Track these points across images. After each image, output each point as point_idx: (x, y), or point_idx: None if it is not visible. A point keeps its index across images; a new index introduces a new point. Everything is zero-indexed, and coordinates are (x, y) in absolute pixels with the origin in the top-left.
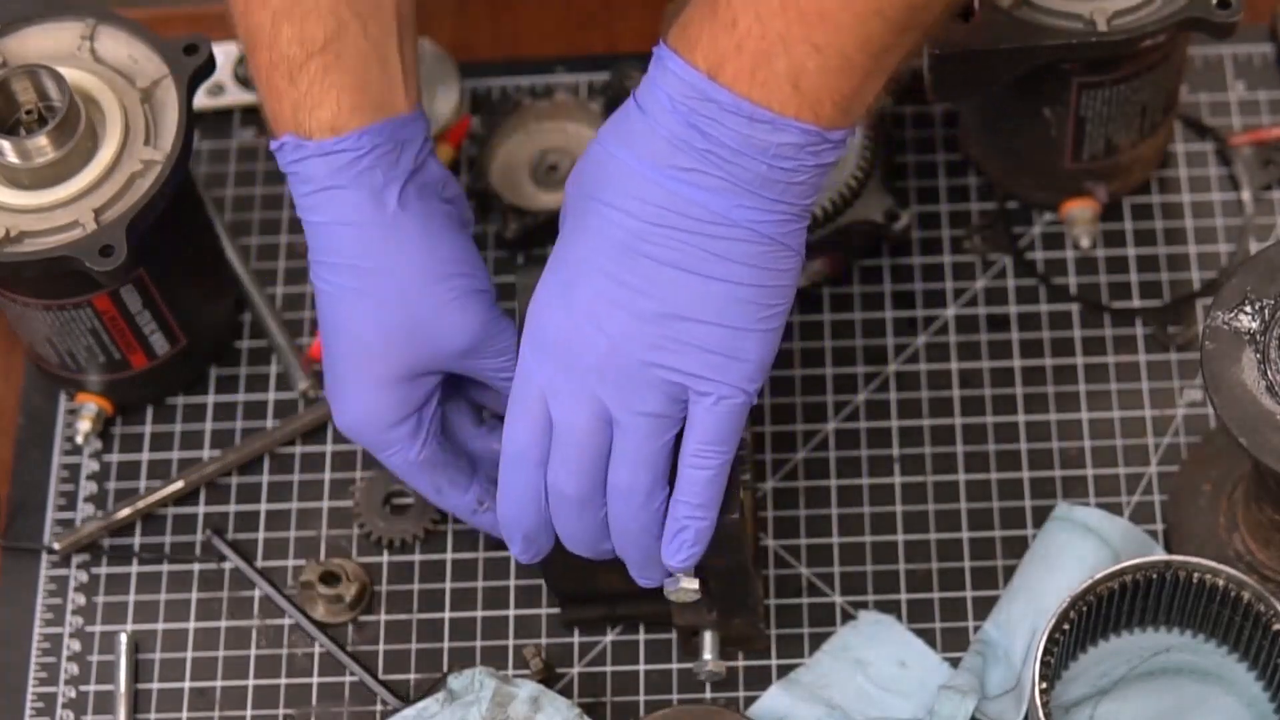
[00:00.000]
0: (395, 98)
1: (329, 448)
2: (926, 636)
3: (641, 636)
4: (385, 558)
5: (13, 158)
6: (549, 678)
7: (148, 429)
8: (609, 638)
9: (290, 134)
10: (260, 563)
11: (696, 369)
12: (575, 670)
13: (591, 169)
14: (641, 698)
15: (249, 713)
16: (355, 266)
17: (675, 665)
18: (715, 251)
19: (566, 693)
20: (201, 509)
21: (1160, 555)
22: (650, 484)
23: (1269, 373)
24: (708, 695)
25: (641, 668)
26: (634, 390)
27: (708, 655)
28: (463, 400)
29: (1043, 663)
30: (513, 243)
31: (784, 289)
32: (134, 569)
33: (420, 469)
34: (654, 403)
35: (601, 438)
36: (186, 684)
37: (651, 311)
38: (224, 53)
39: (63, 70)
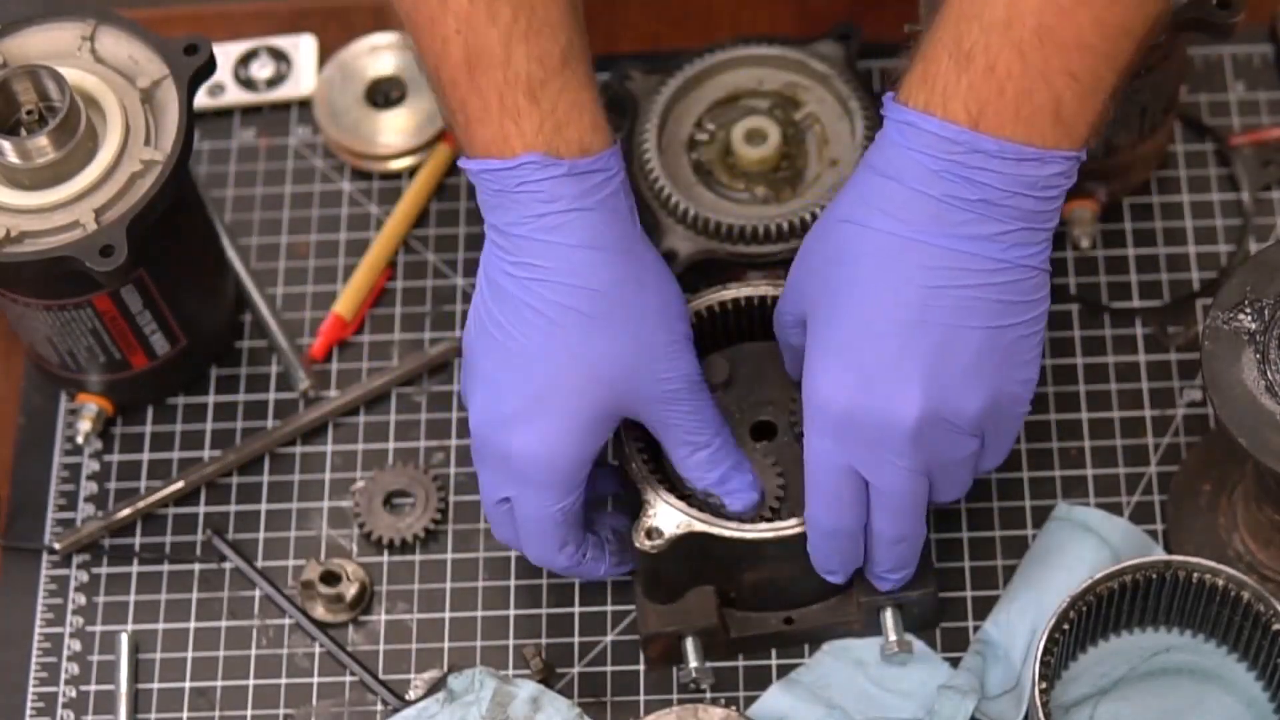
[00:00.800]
0: (608, 121)
1: (329, 448)
2: (927, 636)
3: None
4: (385, 558)
5: (13, 158)
6: (549, 678)
7: (148, 429)
8: (609, 638)
9: (536, 152)
10: (260, 563)
11: (998, 415)
12: (575, 670)
13: (846, 246)
14: (641, 698)
15: (249, 713)
16: (595, 292)
17: (675, 665)
18: (1003, 299)
19: (566, 693)
20: (202, 509)
21: (1160, 555)
22: (962, 489)
23: (1269, 373)
24: (708, 695)
25: (641, 668)
26: (949, 447)
27: (692, 662)
28: None
29: (1043, 663)
30: None
31: (1044, 303)
32: (134, 569)
33: (567, 523)
34: (963, 451)
35: (922, 488)
36: (187, 684)
37: (950, 376)
38: (224, 53)
39: (63, 70)
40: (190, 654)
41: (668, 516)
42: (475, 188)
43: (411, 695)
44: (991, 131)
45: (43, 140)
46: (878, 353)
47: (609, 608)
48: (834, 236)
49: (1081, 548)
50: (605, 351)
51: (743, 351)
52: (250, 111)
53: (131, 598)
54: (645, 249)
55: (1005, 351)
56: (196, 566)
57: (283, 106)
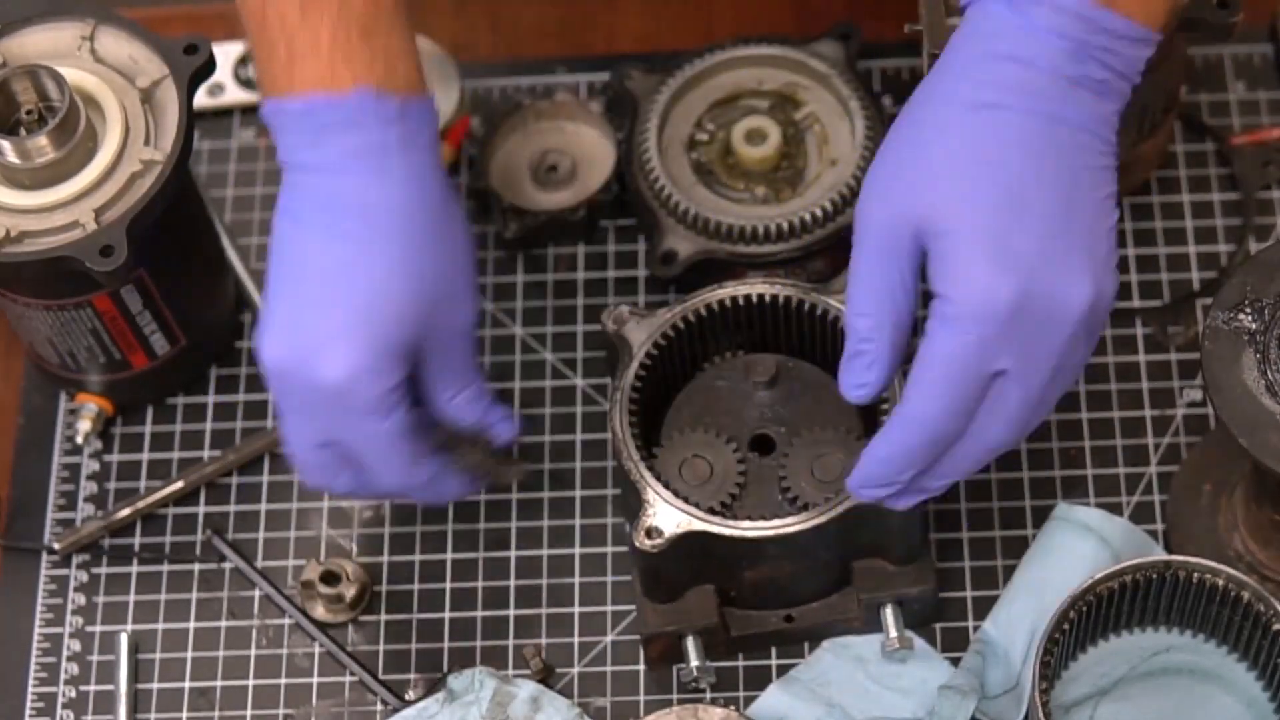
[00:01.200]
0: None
1: None
2: (927, 636)
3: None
4: (385, 558)
5: (13, 158)
6: (548, 678)
7: (148, 429)
8: (609, 638)
9: (370, 87)
10: (260, 562)
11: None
12: (575, 670)
13: (988, 133)
14: (641, 698)
15: (249, 713)
16: (416, 226)
17: (675, 665)
18: (1110, 178)
19: (566, 693)
20: (202, 509)
21: (1160, 555)
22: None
23: (1269, 373)
24: (707, 696)
25: (641, 668)
26: (1086, 346)
27: (693, 661)
28: None
29: (1042, 663)
30: (512, 243)
31: None
32: (134, 569)
33: (405, 438)
34: (1086, 353)
35: (1056, 393)
36: (186, 684)
37: (1101, 261)
38: (224, 53)
39: (63, 70)
40: (190, 654)
41: (668, 516)
42: (277, 129)
43: (411, 695)
44: (1122, 11)
45: (42, 140)
46: (1041, 240)
47: (609, 608)
48: (967, 125)
49: (1081, 547)
50: (407, 284)
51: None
52: (250, 111)
53: (131, 598)
54: (450, 192)
55: (1116, 240)
56: (196, 566)
57: None
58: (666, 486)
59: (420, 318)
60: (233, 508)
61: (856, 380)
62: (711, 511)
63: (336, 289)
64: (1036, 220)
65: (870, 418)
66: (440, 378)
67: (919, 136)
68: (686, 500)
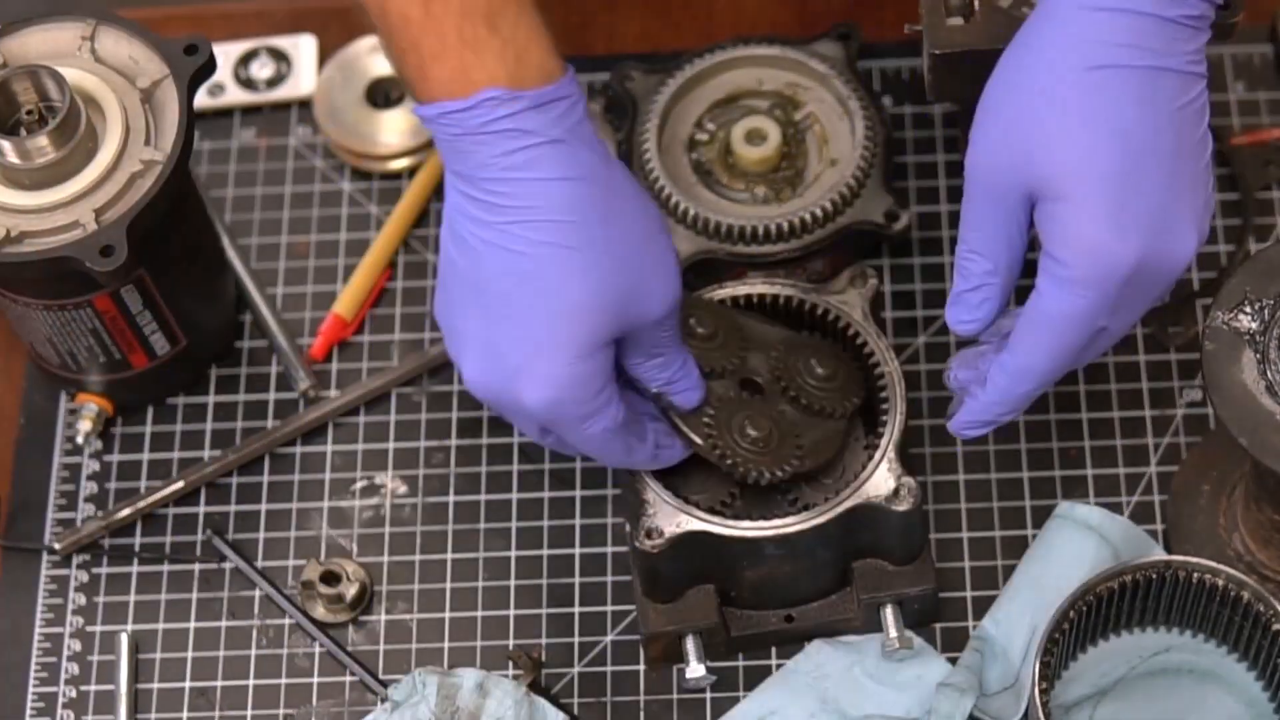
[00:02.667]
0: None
1: (329, 448)
2: (927, 635)
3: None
4: (385, 558)
5: (13, 158)
6: (537, 677)
7: (148, 429)
8: (609, 638)
9: (498, 86)
10: (260, 562)
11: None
12: (575, 670)
13: (1101, 89)
14: (641, 698)
15: (249, 712)
16: (575, 224)
17: (675, 665)
18: (1203, 117)
19: (566, 692)
20: (202, 509)
21: (1160, 555)
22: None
23: (1269, 373)
24: (707, 696)
25: (641, 668)
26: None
27: (693, 661)
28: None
29: (1042, 663)
30: None
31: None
32: (134, 569)
33: (619, 433)
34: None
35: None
36: (187, 684)
37: (1203, 210)
38: (224, 53)
39: (63, 70)
40: (190, 654)
41: (668, 516)
42: (434, 138)
43: (391, 693)
44: None
45: (43, 140)
46: (1158, 201)
47: (609, 608)
48: (1080, 86)
49: (1082, 546)
50: (593, 286)
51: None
52: (250, 111)
53: (131, 598)
54: (616, 171)
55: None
56: (196, 566)
57: (283, 106)
58: (667, 487)
59: (613, 313)
60: (233, 508)
61: (967, 315)
62: (711, 511)
63: (521, 307)
64: (1152, 181)
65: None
66: (635, 348)
67: (1027, 95)
68: (686, 500)
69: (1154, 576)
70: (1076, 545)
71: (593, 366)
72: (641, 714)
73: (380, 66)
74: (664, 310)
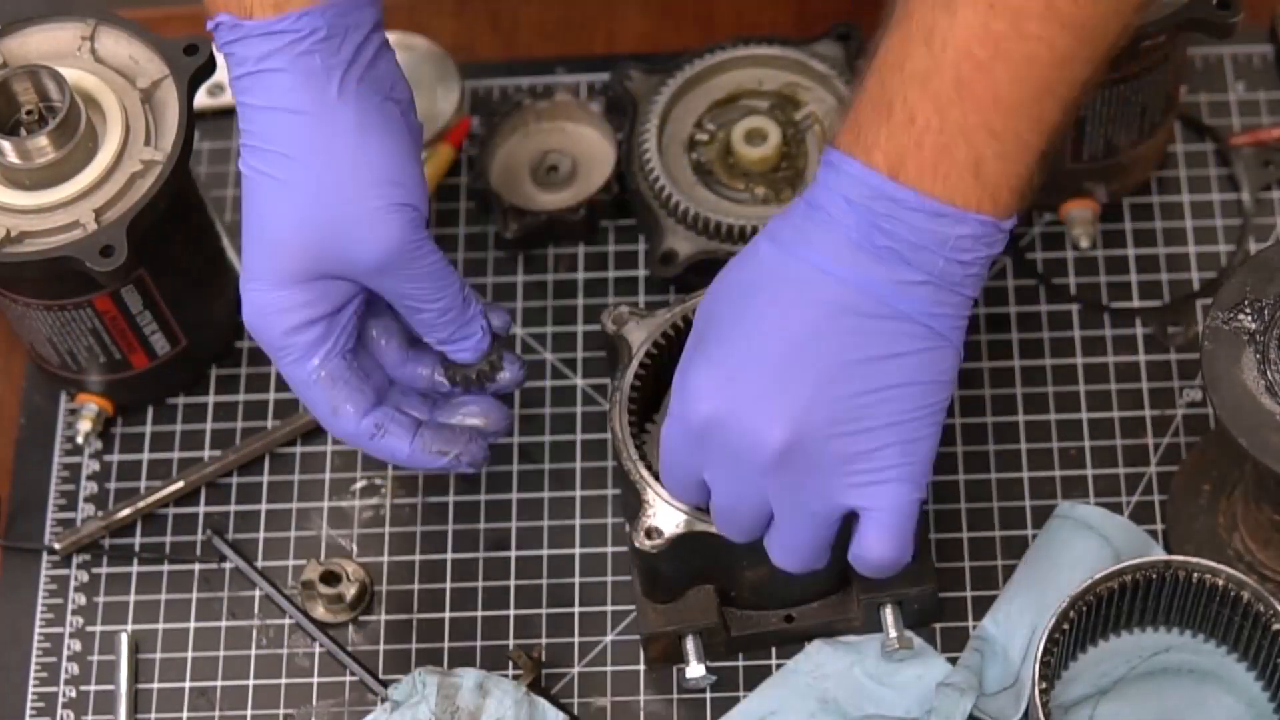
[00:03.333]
0: None
1: (329, 448)
2: (927, 635)
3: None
4: (385, 558)
5: (13, 158)
6: (537, 677)
7: (148, 429)
8: (609, 638)
9: (227, 12)
10: (260, 562)
11: (868, 473)
12: (575, 670)
13: (755, 267)
14: (641, 697)
15: (249, 712)
16: (282, 155)
17: (675, 665)
18: (891, 350)
19: (566, 693)
20: (202, 509)
21: (1160, 555)
22: (813, 557)
23: (1269, 373)
24: (707, 696)
25: (641, 668)
26: (802, 491)
27: (693, 661)
28: (392, 321)
29: (1042, 663)
30: (513, 243)
31: (947, 386)
32: (134, 569)
33: (319, 384)
34: (821, 505)
35: (763, 519)
36: (187, 684)
37: (823, 416)
38: None
39: (63, 70)
40: (190, 654)
41: (667, 516)
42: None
43: (391, 693)
44: (910, 183)
45: (43, 140)
46: (755, 376)
47: (609, 608)
48: (751, 255)
49: (1083, 546)
50: (293, 214)
51: None
52: None
53: (131, 598)
54: (348, 113)
55: (890, 411)
56: (196, 566)
57: None
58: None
59: (313, 253)
60: (233, 508)
61: None
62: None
63: (245, 229)
64: (758, 352)
65: None
66: (397, 305)
67: (729, 262)
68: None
69: (1154, 576)
70: (1076, 545)
71: (292, 298)
72: (641, 714)
73: None
74: (373, 260)
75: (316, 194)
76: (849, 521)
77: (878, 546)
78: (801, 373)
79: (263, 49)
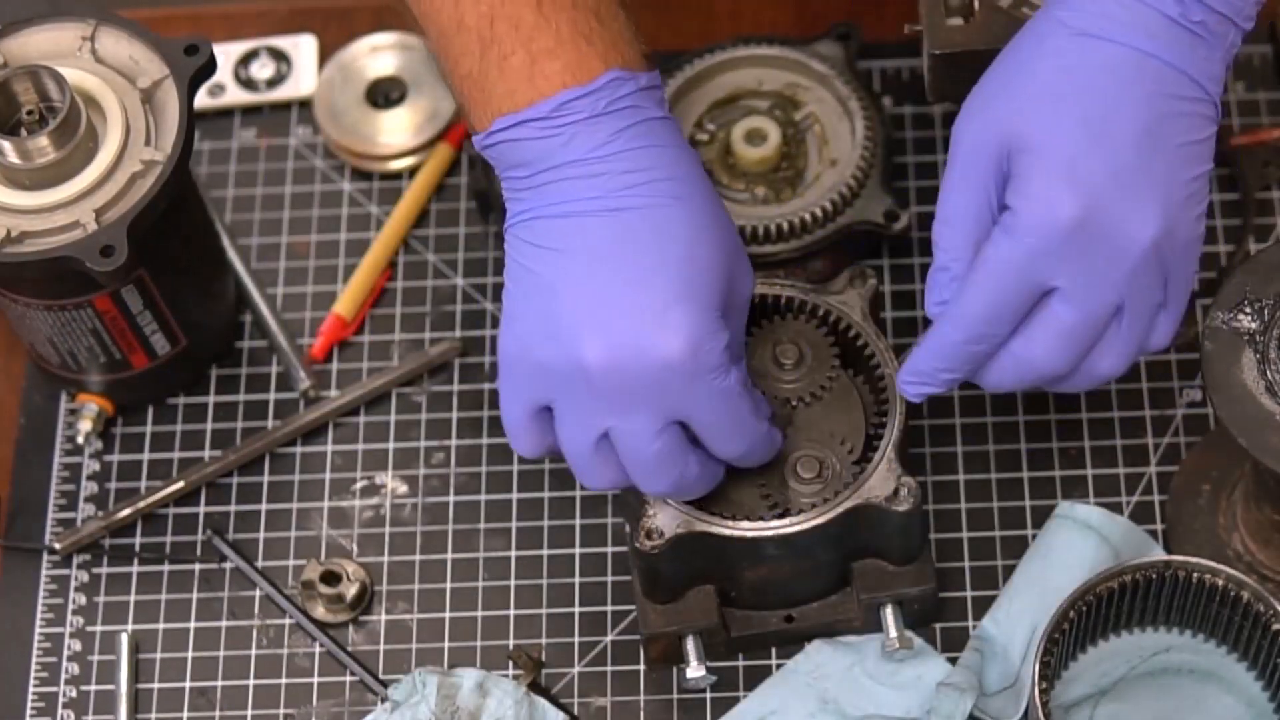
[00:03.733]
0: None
1: (329, 448)
2: (927, 635)
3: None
4: (385, 558)
5: (14, 158)
6: (537, 677)
7: (148, 429)
8: (609, 638)
9: (616, 69)
10: (260, 563)
11: (1192, 262)
12: (575, 670)
13: (1082, 60)
14: (641, 697)
15: (249, 712)
16: (680, 178)
17: (675, 665)
18: (1207, 136)
19: (566, 693)
20: (202, 509)
21: (1160, 555)
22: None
23: (1269, 373)
24: (707, 696)
25: (641, 668)
26: (1156, 286)
27: (693, 661)
28: None
29: (1042, 663)
30: None
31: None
32: (135, 569)
33: (744, 391)
34: (1159, 294)
35: (1103, 322)
36: (187, 684)
37: (1177, 202)
38: (225, 53)
39: (64, 71)
40: (190, 654)
41: (668, 516)
42: (517, 144)
43: (391, 693)
44: None
45: (43, 140)
46: (1113, 166)
47: (609, 608)
48: (1063, 50)
49: (1082, 546)
50: (712, 232)
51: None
52: (250, 111)
53: (132, 598)
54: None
55: (1204, 191)
56: (197, 566)
57: (283, 107)
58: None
59: (729, 272)
60: (233, 508)
61: (938, 297)
62: (711, 512)
63: (650, 262)
64: (1112, 147)
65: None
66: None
67: (1019, 59)
68: (686, 501)
69: (1154, 576)
70: (1076, 545)
71: (719, 318)
72: (641, 714)
73: (380, 67)
74: (752, 286)
75: (725, 220)
76: None
77: (1168, 335)
78: (1156, 165)
79: (654, 99)
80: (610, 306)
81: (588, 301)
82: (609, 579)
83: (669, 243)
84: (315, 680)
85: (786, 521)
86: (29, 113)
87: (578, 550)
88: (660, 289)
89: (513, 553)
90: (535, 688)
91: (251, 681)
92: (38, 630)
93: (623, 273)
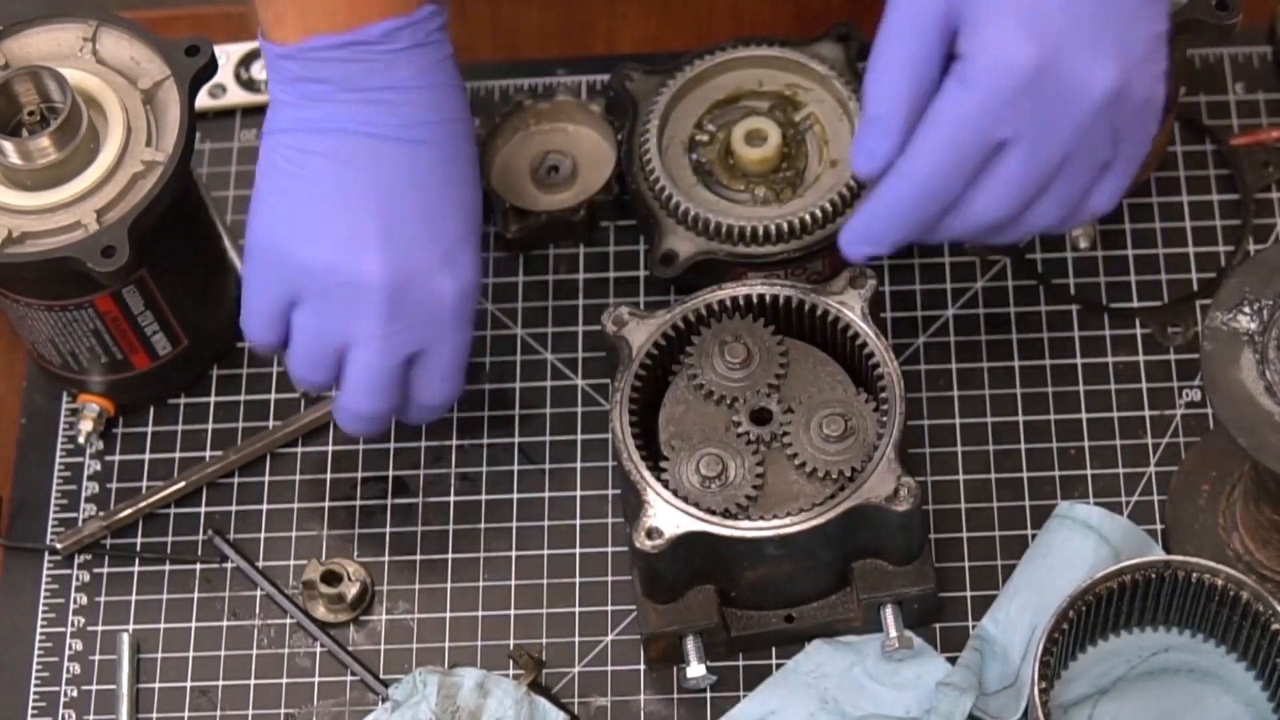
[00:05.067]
0: None
1: (330, 448)
2: (926, 635)
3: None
4: (386, 558)
5: (15, 159)
6: (537, 677)
7: (149, 429)
8: (609, 638)
9: (430, 1)
10: (261, 562)
11: (1144, 127)
12: (575, 670)
13: None
14: (641, 697)
15: (250, 712)
16: (463, 120)
17: (675, 665)
18: None
19: (567, 692)
20: (203, 509)
21: (1160, 555)
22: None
23: (1268, 373)
24: (707, 696)
25: (641, 668)
26: (1104, 140)
27: (693, 661)
28: None
29: (1042, 662)
30: (513, 243)
31: None
32: (136, 569)
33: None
34: (1107, 151)
35: (1049, 171)
36: (188, 683)
37: (1135, 56)
38: (225, 54)
39: (65, 71)
40: (191, 654)
41: (668, 516)
42: (317, 63)
43: (391, 693)
44: None
45: (44, 141)
46: (1072, 16)
47: (609, 608)
48: None
49: (1082, 546)
50: (477, 170)
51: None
52: (251, 112)
53: (133, 597)
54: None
55: (1161, 51)
56: (198, 566)
57: None
58: (666, 486)
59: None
60: (234, 508)
61: (868, 149)
62: (711, 512)
63: (444, 201)
64: (1074, 2)
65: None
66: None
67: None
68: (687, 500)
69: (1153, 576)
70: (1076, 545)
71: (480, 267)
72: (641, 714)
73: None
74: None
75: (476, 160)
76: None
77: (1111, 198)
78: (1113, 15)
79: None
80: (402, 234)
81: (381, 222)
82: (609, 579)
83: (458, 186)
84: (316, 680)
85: (786, 521)
86: (30, 113)
87: (578, 550)
88: (451, 231)
89: (513, 553)
90: (536, 687)
91: (252, 681)
92: (39, 630)
93: (419, 205)
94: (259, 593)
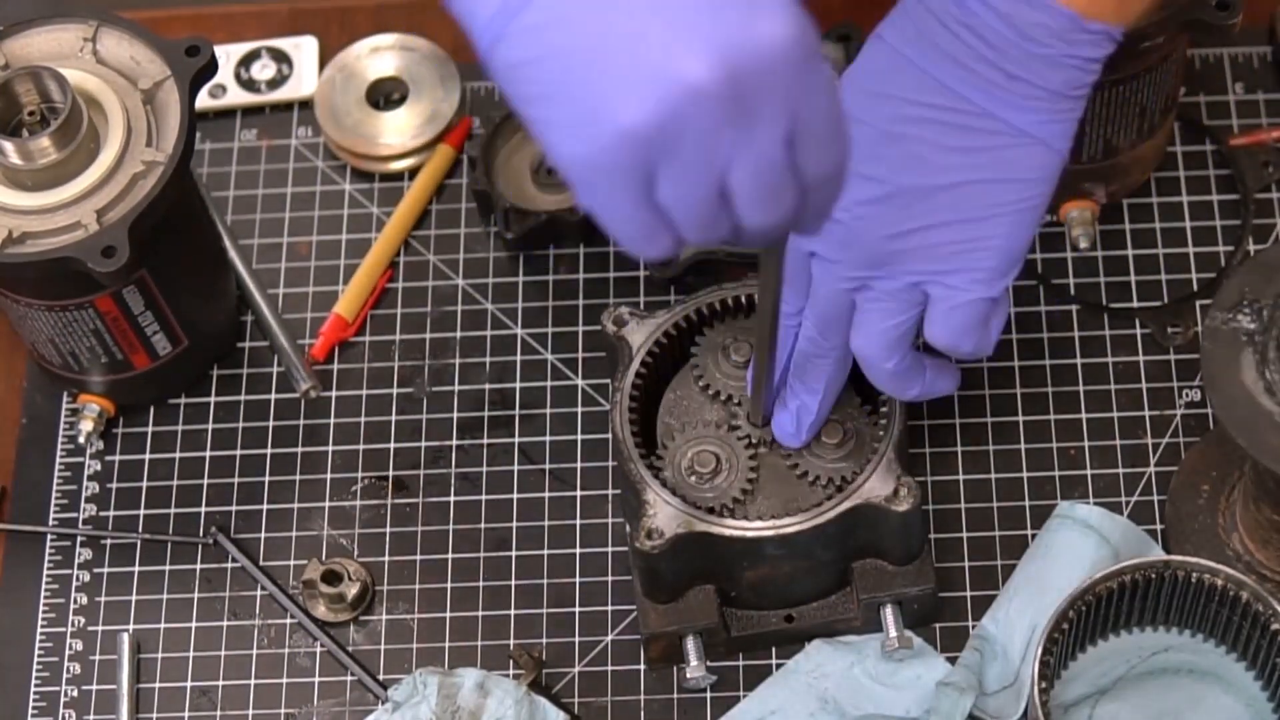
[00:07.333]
0: None
1: (330, 448)
2: (926, 635)
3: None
4: (386, 557)
5: (15, 159)
6: (538, 677)
7: (149, 429)
8: (609, 638)
9: None
10: (262, 562)
11: (930, 264)
12: (575, 670)
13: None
14: (641, 697)
15: (250, 712)
16: None
17: (675, 665)
18: (965, 144)
19: (567, 692)
20: (204, 509)
21: (1159, 555)
22: (883, 354)
23: (1268, 373)
24: (707, 696)
25: (641, 668)
26: (876, 268)
27: (693, 661)
28: None
29: (1042, 662)
30: (513, 243)
31: (1031, 184)
32: (136, 568)
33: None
34: (891, 285)
35: (847, 305)
36: (188, 683)
37: (887, 196)
38: (225, 54)
39: (65, 71)
40: (192, 653)
41: (668, 516)
42: None
43: (391, 693)
44: None
45: (45, 141)
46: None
47: (609, 608)
48: (868, 54)
49: (1082, 546)
50: None
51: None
52: (252, 112)
53: (133, 597)
54: None
55: (952, 204)
56: (198, 566)
57: (284, 107)
58: (665, 485)
59: None
60: (235, 507)
61: (788, 431)
62: (711, 511)
63: None
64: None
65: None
66: None
67: None
68: (686, 499)
69: (1153, 576)
70: (1076, 545)
71: None
72: (641, 714)
73: (381, 68)
74: None
75: None
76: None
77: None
78: (886, 155)
79: None
80: (688, 15)
81: (659, 22)
82: (609, 579)
83: None
84: (316, 680)
85: (786, 521)
86: (30, 113)
87: (578, 550)
88: None
89: (513, 553)
90: (536, 687)
91: (253, 681)
92: (39, 630)
93: None
94: (259, 592)
